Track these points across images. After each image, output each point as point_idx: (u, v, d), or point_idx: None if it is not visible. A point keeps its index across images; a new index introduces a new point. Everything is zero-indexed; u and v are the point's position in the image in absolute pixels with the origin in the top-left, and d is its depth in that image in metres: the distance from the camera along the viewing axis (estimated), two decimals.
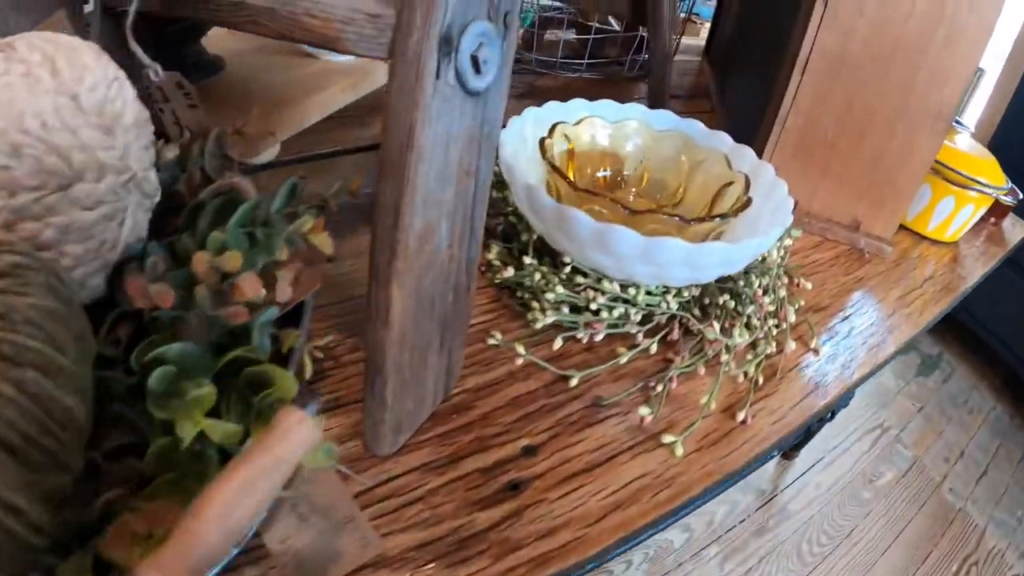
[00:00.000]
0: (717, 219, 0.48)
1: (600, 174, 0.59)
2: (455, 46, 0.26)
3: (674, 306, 0.49)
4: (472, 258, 0.33)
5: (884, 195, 0.70)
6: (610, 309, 0.47)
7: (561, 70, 1.02)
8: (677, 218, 0.46)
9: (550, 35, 1.07)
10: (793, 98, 0.67)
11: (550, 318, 0.46)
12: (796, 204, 0.57)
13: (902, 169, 0.67)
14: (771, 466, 1.36)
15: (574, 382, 0.42)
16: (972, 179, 0.73)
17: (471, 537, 0.31)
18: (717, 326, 0.48)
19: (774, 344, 0.51)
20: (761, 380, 0.48)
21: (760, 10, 0.92)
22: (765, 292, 0.53)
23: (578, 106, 0.60)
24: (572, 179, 0.49)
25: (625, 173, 0.60)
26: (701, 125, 0.62)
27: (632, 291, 0.47)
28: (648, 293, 0.49)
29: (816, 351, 0.54)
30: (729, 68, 1.03)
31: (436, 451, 0.34)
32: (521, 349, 0.43)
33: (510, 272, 0.50)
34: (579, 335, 0.46)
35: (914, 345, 1.88)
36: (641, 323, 0.48)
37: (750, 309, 0.52)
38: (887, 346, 0.57)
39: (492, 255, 0.52)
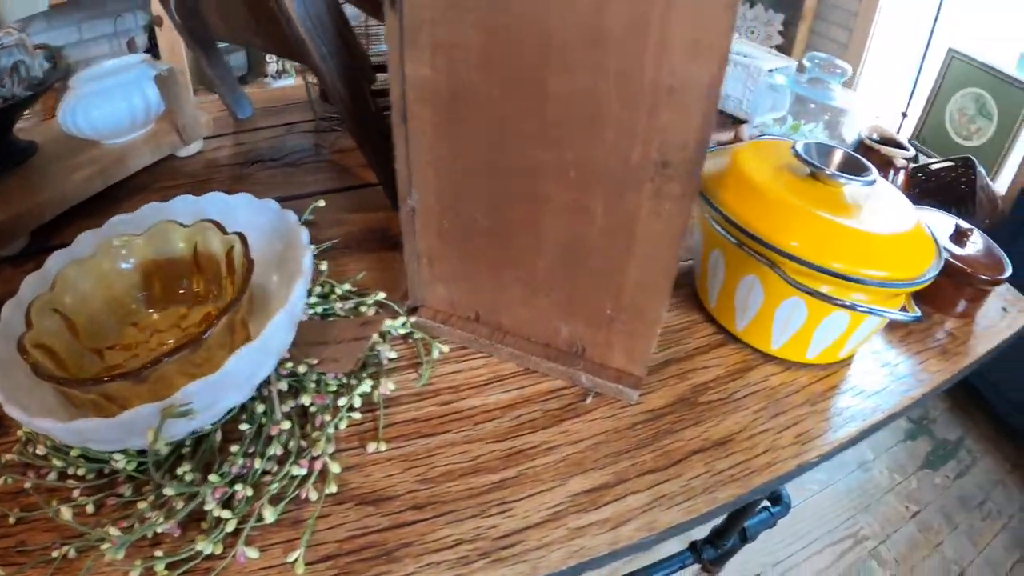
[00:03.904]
0: (184, 351, 0.36)
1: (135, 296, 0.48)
2: None
3: (124, 465, 0.40)
4: None
5: (603, 309, 0.45)
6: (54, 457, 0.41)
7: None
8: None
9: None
10: (407, 166, 0.45)
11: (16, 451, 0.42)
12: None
13: (625, 264, 0.42)
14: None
15: (11, 520, 0.39)
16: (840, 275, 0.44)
17: None
18: (148, 503, 0.38)
19: (210, 545, 0.36)
20: None
21: None
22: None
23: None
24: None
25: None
26: (221, 195, 0.49)
27: None
28: None
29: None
30: None
31: None
32: None
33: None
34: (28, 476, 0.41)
35: (927, 427, 1.55)
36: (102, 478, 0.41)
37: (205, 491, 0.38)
38: None
39: None
